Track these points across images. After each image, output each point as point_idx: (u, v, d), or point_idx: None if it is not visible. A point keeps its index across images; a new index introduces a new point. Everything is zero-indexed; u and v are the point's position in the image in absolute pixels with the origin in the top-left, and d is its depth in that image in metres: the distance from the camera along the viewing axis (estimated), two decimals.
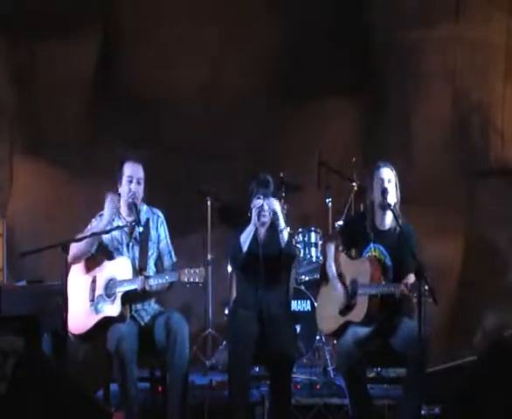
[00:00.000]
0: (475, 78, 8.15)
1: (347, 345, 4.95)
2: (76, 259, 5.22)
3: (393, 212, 5.04)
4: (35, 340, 5.35)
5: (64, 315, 4.83)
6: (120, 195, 5.28)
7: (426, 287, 4.56)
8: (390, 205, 5.03)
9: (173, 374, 5.02)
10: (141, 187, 5.28)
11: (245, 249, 5.29)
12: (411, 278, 4.85)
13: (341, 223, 6.64)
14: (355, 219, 5.88)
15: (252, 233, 5.31)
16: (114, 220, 5.25)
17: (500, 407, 3.86)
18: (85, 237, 5.17)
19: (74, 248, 5.17)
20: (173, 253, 5.35)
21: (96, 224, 5.25)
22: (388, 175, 5.13)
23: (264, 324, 5.21)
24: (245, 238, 5.31)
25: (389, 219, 5.14)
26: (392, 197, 5.09)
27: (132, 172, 5.25)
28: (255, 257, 5.32)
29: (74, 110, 8.42)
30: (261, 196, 5.32)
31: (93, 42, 8.53)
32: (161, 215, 5.41)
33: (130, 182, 5.24)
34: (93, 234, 5.17)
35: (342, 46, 8.55)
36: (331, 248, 5.31)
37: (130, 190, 5.23)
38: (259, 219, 5.31)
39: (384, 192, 5.06)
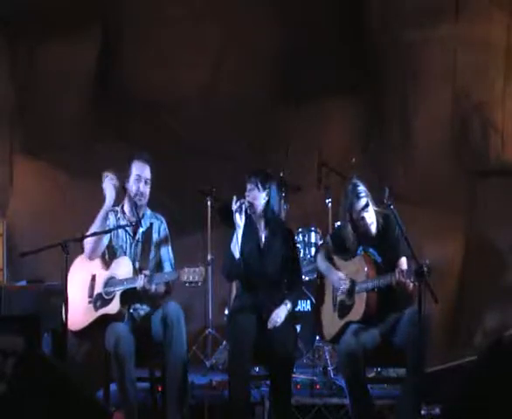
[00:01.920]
0: (475, 77, 8.14)
1: (347, 344, 4.95)
2: (93, 253, 5.21)
3: (395, 214, 5.02)
4: (35, 340, 5.36)
5: (64, 315, 4.84)
6: (117, 177, 5.28)
7: (424, 283, 4.58)
8: (390, 205, 5.02)
9: (171, 368, 5.01)
10: (148, 188, 5.30)
11: (237, 255, 5.25)
12: (404, 264, 4.89)
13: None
14: (339, 229, 5.76)
15: (239, 236, 5.26)
16: (119, 202, 5.26)
17: (500, 407, 3.86)
18: (86, 237, 5.18)
19: (88, 243, 5.18)
20: (173, 262, 5.35)
21: (100, 211, 5.25)
22: (364, 205, 5.12)
23: (264, 325, 5.20)
24: (234, 245, 5.26)
25: (373, 228, 5.15)
26: (371, 218, 5.12)
27: (140, 171, 5.27)
28: (256, 263, 5.30)
29: (74, 110, 8.43)
30: (246, 185, 5.31)
31: (93, 42, 8.54)
32: (164, 221, 5.42)
33: (138, 181, 5.26)
34: (94, 234, 5.17)
35: (342, 46, 8.56)
36: (321, 254, 5.34)
37: (138, 189, 5.25)
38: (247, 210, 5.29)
39: (365, 224, 5.09)
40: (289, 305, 5.26)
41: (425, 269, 4.58)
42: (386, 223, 5.12)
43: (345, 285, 5.13)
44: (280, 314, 5.20)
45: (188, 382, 5.14)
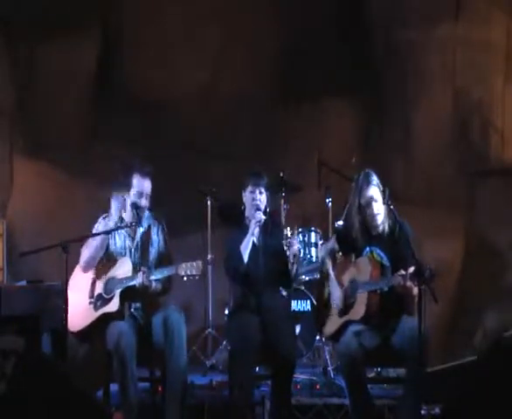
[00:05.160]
0: (475, 78, 8.15)
1: (347, 344, 4.95)
2: (88, 265, 5.23)
3: (394, 214, 5.02)
4: (35, 340, 5.36)
5: (64, 315, 4.84)
6: (124, 198, 5.28)
7: (426, 286, 4.57)
8: (390, 204, 5.02)
9: (171, 375, 5.02)
10: (148, 201, 5.31)
11: (246, 259, 5.26)
12: (410, 269, 4.85)
13: (341, 222, 6.64)
14: (346, 227, 5.79)
15: (250, 243, 5.28)
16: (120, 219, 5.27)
17: (500, 407, 3.86)
18: (85, 237, 5.18)
19: (85, 254, 5.19)
20: (172, 261, 5.34)
21: (103, 225, 5.25)
22: (373, 193, 5.11)
23: (265, 325, 5.19)
24: (245, 248, 5.27)
25: (380, 220, 5.13)
26: (380, 210, 5.09)
27: (142, 188, 5.28)
28: (254, 263, 5.30)
29: (74, 110, 8.42)
30: (254, 188, 5.32)
31: (93, 42, 8.54)
32: (162, 222, 5.42)
33: (139, 196, 5.26)
34: (94, 234, 5.18)
35: (341, 46, 8.56)
36: (329, 255, 5.32)
37: (139, 205, 5.26)
38: (255, 214, 5.29)
39: (372, 214, 5.07)
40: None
41: (428, 272, 4.57)
42: (399, 229, 5.07)
43: (336, 306, 5.13)
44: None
45: (188, 387, 5.14)
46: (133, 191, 5.26)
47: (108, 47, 8.64)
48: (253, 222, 5.26)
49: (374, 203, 5.09)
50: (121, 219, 5.32)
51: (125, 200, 5.26)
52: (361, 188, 5.11)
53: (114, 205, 5.24)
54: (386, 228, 5.13)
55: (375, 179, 5.13)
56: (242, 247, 5.26)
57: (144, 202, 5.28)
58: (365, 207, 5.10)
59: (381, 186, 5.13)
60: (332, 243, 5.38)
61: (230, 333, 5.39)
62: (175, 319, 5.08)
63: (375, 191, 5.10)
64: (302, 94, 8.50)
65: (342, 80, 8.38)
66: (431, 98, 8.25)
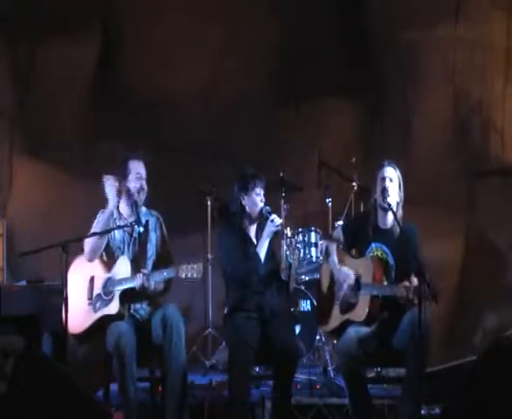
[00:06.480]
0: (475, 78, 8.16)
1: (347, 344, 4.94)
2: (94, 254, 5.19)
3: (392, 212, 5.03)
4: (35, 340, 5.35)
5: (64, 315, 4.84)
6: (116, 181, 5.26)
7: (427, 287, 4.56)
8: (390, 205, 5.03)
9: (171, 373, 5.01)
10: (146, 185, 5.31)
11: (263, 259, 5.29)
12: (414, 282, 4.82)
13: (341, 222, 6.64)
14: (356, 219, 5.89)
15: (267, 245, 5.30)
16: (118, 202, 5.24)
17: (500, 407, 3.86)
18: (86, 237, 5.18)
19: (88, 244, 5.17)
20: (171, 257, 5.34)
21: (102, 215, 5.24)
22: (390, 174, 5.12)
23: (265, 324, 5.19)
24: (260, 250, 5.29)
25: (390, 218, 5.13)
26: (393, 197, 5.09)
27: (140, 169, 5.27)
28: (254, 262, 5.31)
29: (74, 110, 8.43)
30: (261, 190, 5.34)
31: (93, 42, 8.55)
32: (160, 217, 5.40)
33: (139, 179, 5.26)
34: (94, 234, 5.17)
35: (342, 46, 8.56)
36: (333, 245, 5.29)
37: (141, 187, 5.24)
38: (271, 217, 5.29)
39: (385, 191, 5.06)
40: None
41: (428, 288, 4.56)
42: (410, 232, 5.06)
43: (350, 281, 5.09)
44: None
45: (187, 385, 5.13)
46: (132, 176, 5.24)
47: (108, 47, 8.65)
48: (274, 224, 5.25)
49: (390, 184, 5.07)
50: (120, 214, 5.30)
51: (118, 183, 5.23)
52: (381, 166, 5.13)
53: (109, 189, 5.21)
54: (396, 227, 5.11)
55: (397, 168, 5.17)
56: (258, 249, 5.28)
57: (144, 185, 5.26)
58: (380, 183, 5.09)
59: (401, 179, 5.16)
60: (337, 232, 5.36)
61: (227, 335, 5.38)
62: (173, 315, 5.06)
63: (393, 174, 5.12)
64: (302, 94, 8.51)
65: (342, 80, 8.39)
66: (431, 98, 8.25)
